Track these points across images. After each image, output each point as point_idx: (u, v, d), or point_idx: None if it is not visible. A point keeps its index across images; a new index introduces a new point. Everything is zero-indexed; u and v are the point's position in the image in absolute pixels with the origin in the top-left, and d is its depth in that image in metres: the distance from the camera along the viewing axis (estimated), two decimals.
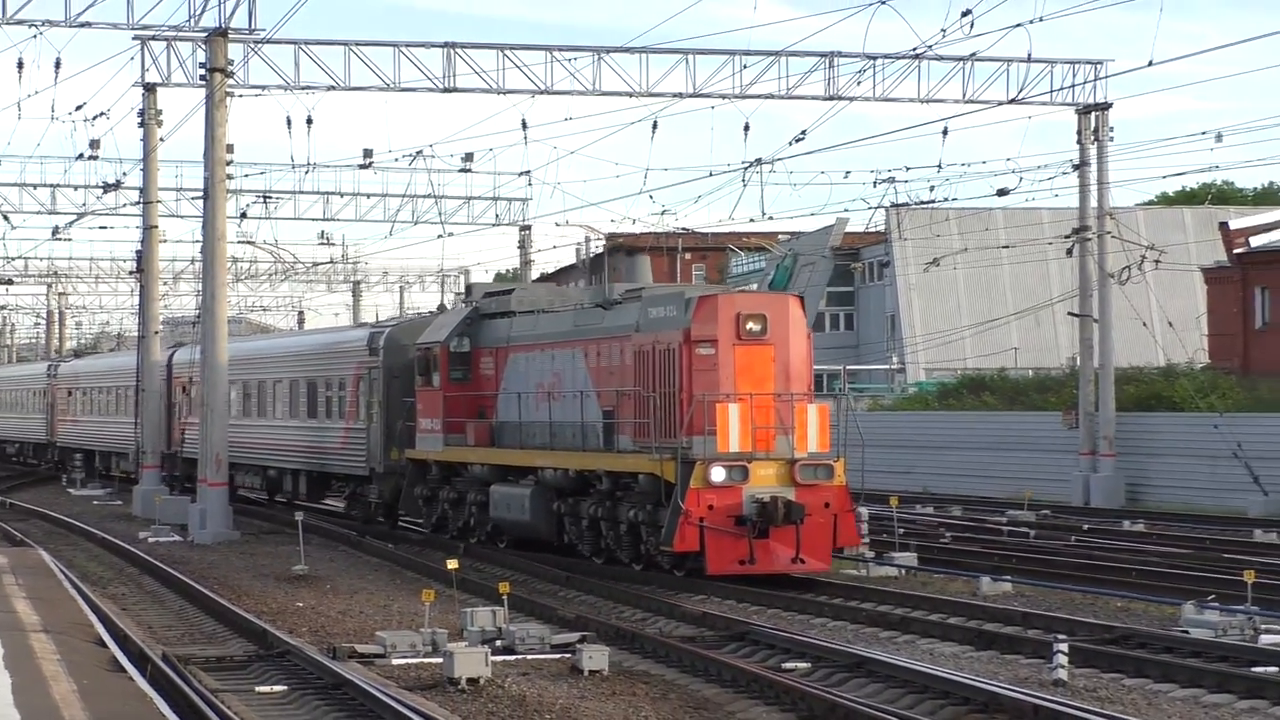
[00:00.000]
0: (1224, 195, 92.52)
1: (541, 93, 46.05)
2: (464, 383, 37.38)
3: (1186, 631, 23.31)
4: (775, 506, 28.23)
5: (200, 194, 45.95)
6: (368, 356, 42.79)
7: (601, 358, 32.49)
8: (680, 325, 29.47)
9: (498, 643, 23.02)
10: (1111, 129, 50.91)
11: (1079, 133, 51.17)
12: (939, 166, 52.20)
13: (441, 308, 42.72)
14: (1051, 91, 48.96)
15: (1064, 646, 20.69)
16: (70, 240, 76.07)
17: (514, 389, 35.79)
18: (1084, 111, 50.50)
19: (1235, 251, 63.43)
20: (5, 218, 67.91)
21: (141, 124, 48.09)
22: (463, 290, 40.81)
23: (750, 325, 29.17)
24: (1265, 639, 22.52)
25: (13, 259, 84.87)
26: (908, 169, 53.99)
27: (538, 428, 34.63)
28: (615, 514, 31.18)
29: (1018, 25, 39.28)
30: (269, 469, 51.09)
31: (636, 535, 30.55)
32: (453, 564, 30.27)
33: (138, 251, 54.72)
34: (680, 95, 46.55)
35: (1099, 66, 49.81)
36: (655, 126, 48.62)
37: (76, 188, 64.58)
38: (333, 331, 56.13)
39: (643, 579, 30.40)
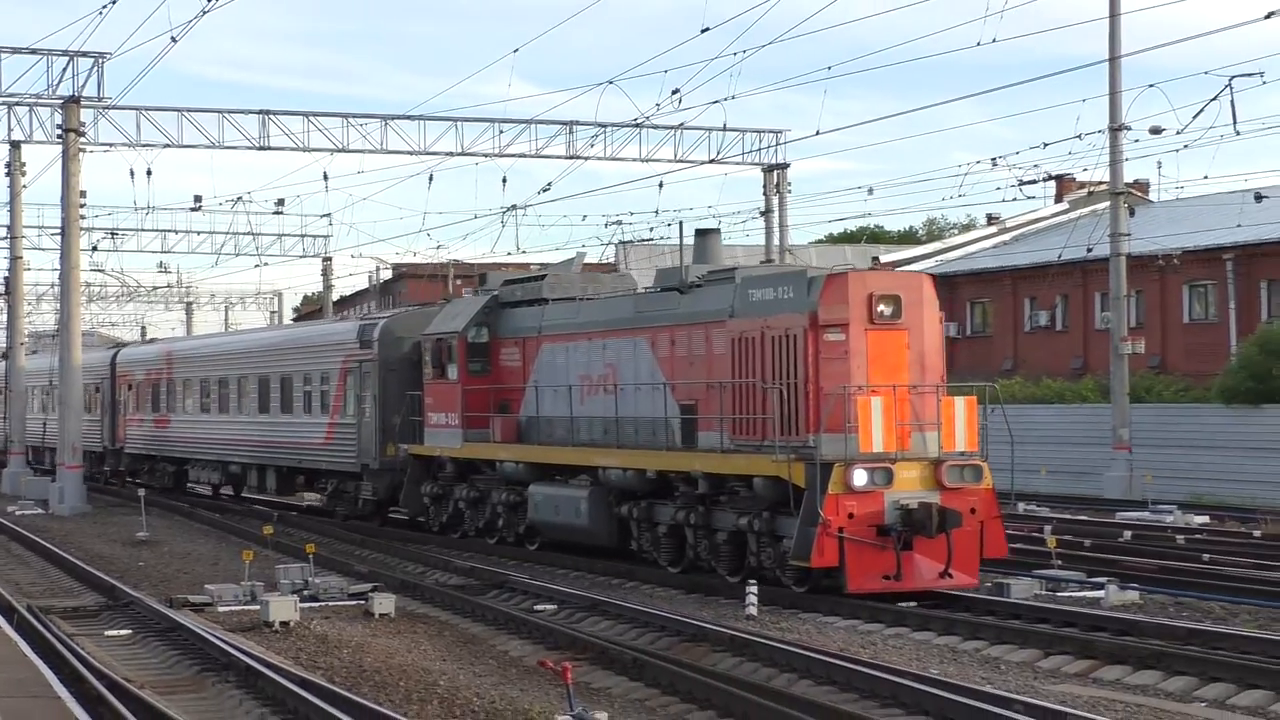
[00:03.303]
0: (875, 236, 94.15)
1: (340, 151, 45.91)
2: (483, 375, 28.82)
3: None
4: (928, 514, 20.22)
5: (58, 231, 45.11)
6: (358, 349, 33.50)
7: (677, 346, 24.00)
8: (803, 308, 21.18)
9: (305, 592, 22.72)
10: (790, 184, 51.66)
11: (765, 186, 51.83)
12: (656, 212, 53.15)
13: (446, 299, 32.87)
14: (743, 154, 49.67)
15: (754, 590, 20.92)
16: None
17: (548, 381, 27.30)
18: (768, 170, 51.15)
19: None
20: None
21: (8, 174, 47.39)
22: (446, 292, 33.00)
23: (882, 308, 20.94)
24: None
25: None
26: (631, 214, 54.73)
27: (585, 423, 26.23)
28: (710, 521, 22.92)
29: (715, 102, 39.96)
30: (230, 465, 41.22)
31: (738, 545, 22.41)
32: (268, 530, 29.84)
33: (5, 278, 53.64)
34: (451, 154, 46.66)
35: (779, 135, 50.51)
36: (431, 179, 49.62)
37: None
38: (308, 326, 45.29)
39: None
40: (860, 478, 20.18)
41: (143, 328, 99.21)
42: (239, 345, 43.19)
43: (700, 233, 26.04)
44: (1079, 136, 36.24)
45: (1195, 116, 32.03)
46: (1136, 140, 35.20)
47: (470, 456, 29.06)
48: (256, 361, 39.89)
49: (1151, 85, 36.46)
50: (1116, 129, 32.61)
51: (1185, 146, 34.82)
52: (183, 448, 44.39)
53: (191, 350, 46.31)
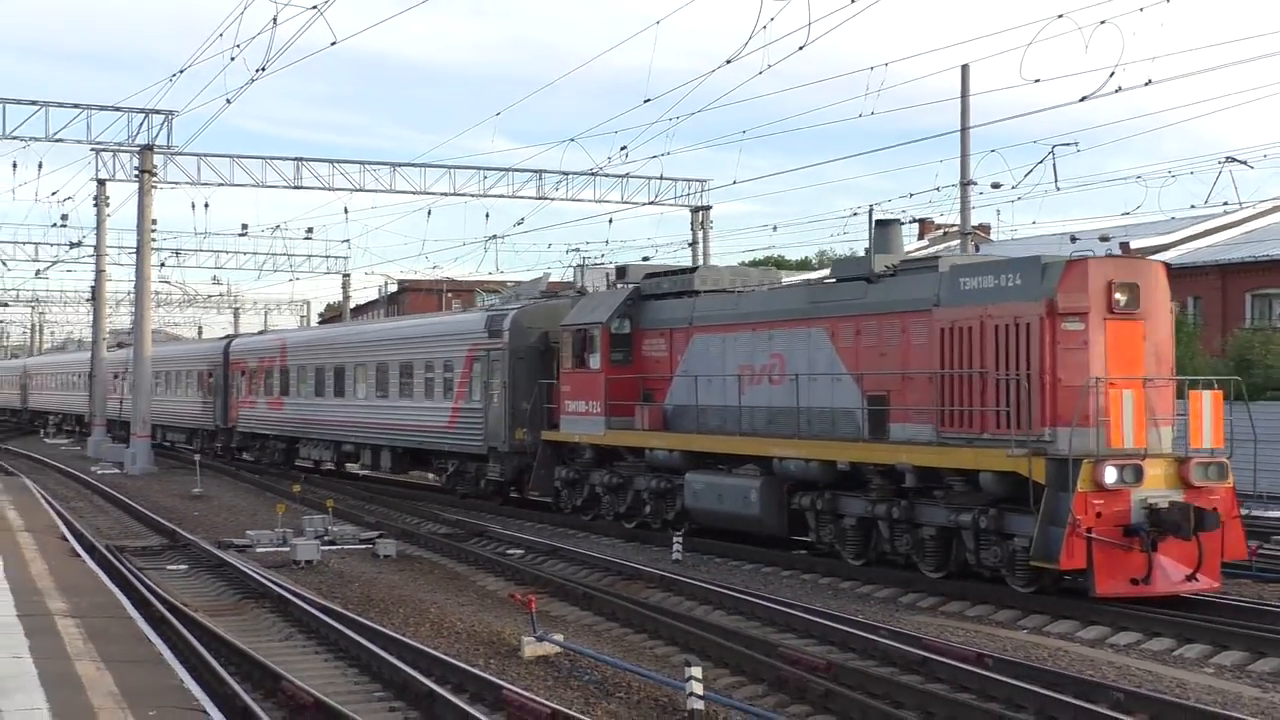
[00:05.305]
0: (778, 264, 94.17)
1: (357, 190, 45.71)
2: (625, 365, 23.74)
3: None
4: (1184, 514, 15.19)
5: (134, 250, 44.72)
6: (486, 339, 28.45)
7: (864, 336, 18.75)
8: (1037, 296, 16.02)
9: (325, 538, 22.68)
10: (711, 222, 51.46)
11: (692, 224, 51.75)
12: (606, 242, 53.02)
13: (581, 291, 27.57)
14: (675, 198, 49.60)
15: (679, 540, 20.93)
16: (47, 279, 74.31)
17: (700, 371, 22.01)
18: (695, 210, 51.03)
19: None
20: (3, 264, 65.23)
21: (95, 204, 46.83)
22: (613, 275, 26.60)
23: (1120, 296, 16.00)
24: None
25: (8, 290, 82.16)
26: (587, 243, 54.95)
27: (747, 413, 20.95)
28: (914, 515, 17.57)
29: (654, 157, 40.12)
30: (344, 444, 35.83)
31: (944, 542, 17.25)
32: (297, 488, 29.68)
33: (92, 286, 53.12)
34: (445, 194, 46.50)
35: (704, 183, 50.49)
36: (430, 213, 50.77)
37: (53, 244, 61.90)
38: (430, 317, 37.94)
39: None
40: (1110, 475, 15.22)
41: (199, 328, 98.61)
42: (355, 336, 37.43)
43: (881, 223, 20.32)
44: (937, 189, 36.68)
45: (1026, 175, 32.60)
46: (981, 193, 35.46)
47: (618, 444, 23.84)
48: (374, 350, 34.62)
49: (993, 150, 37.16)
50: (966, 183, 32.76)
51: (1019, 198, 35.37)
52: (296, 428, 38.83)
53: (307, 340, 40.94)
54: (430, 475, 34.09)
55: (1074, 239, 42.88)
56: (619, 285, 25.39)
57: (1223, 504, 15.69)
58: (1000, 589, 16.23)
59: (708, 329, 22.13)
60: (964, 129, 31.56)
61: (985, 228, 57.51)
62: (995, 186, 35.12)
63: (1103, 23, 23.27)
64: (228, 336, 51.27)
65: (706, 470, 21.58)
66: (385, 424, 33.10)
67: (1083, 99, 25.00)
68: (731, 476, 20.94)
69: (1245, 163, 31.58)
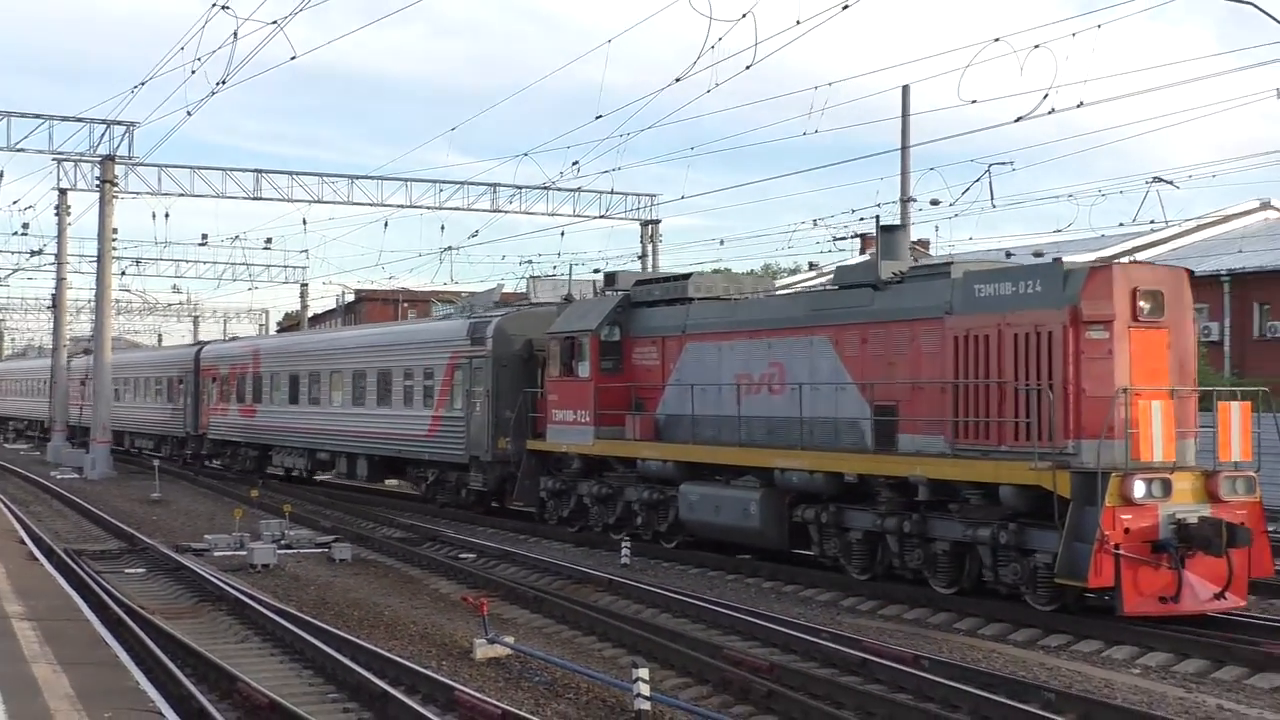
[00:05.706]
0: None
1: (315, 202, 45.62)
2: (615, 373, 22.36)
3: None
4: (1216, 530, 14.12)
5: (95, 259, 44.37)
6: (469, 346, 26.88)
7: (871, 344, 17.55)
8: (1059, 303, 14.93)
9: (282, 542, 22.53)
10: (661, 235, 51.64)
11: (642, 237, 51.87)
12: (559, 254, 53.07)
13: (569, 298, 26.72)
14: (626, 211, 49.72)
15: (627, 546, 20.93)
16: (8, 286, 73.47)
17: (694, 380, 20.65)
18: (644, 224, 51.18)
19: None
20: None
21: (57, 213, 46.41)
22: (605, 283, 25.09)
23: (1144, 304, 14.89)
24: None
25: None
26: (539, 255, 54.98)
27: (745, 423, 19.68)
28: (927, 530, 16.43)
29: (605, 171, 40.38)
30: (318, 452, 33.91)
31: (959, 557, 16.12)
32: (254, 493, 29.44)
33: (53, 294, 52.62)
34: (402, 206, 46.51)
35: (653, 198, 50.64)
36: (386, 225, 50.58)
37: (13, 253, 61.33)
38: (410, 324, 36.22)
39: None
40: (1140, 489, 14.13)
41: (159, 335, 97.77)
42: (331, 343, 35.50)
43: (885, 229, 18.95)
44: (879, 205, 36.84)
45: (964, 193, 32.71)
46: (920, 209, 35.74)
47: (608, 454, 22.42)
48: (351, 357, 32.78)
49: (932, 168, 37.34)
50: (905, 200, 33.01)
51: (956, 215, 35.73)
52: (269, 435, 37.00)
53: (281, 346, 38.71)
54: (392, 481, 33.43)
55: (1009, 255, 43.37)
56: (607, 292, 24.09)
57: (1250, 519, 14.66)
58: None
59: (702, 337, 20.86)
60: (904, 147, 31.80)
61: (924, 243, 57.96)
62: (934, 203, 35.44)
63: (1037, 47, 23.53)
64: (199, 343, 49.80)
65: (703, 481, 20.22)
66: (362, 432, 31.44)
67: (1018, 119, 25.24)
68: (730, 488, 19.59)
69: (1171, 183, 32.02)
